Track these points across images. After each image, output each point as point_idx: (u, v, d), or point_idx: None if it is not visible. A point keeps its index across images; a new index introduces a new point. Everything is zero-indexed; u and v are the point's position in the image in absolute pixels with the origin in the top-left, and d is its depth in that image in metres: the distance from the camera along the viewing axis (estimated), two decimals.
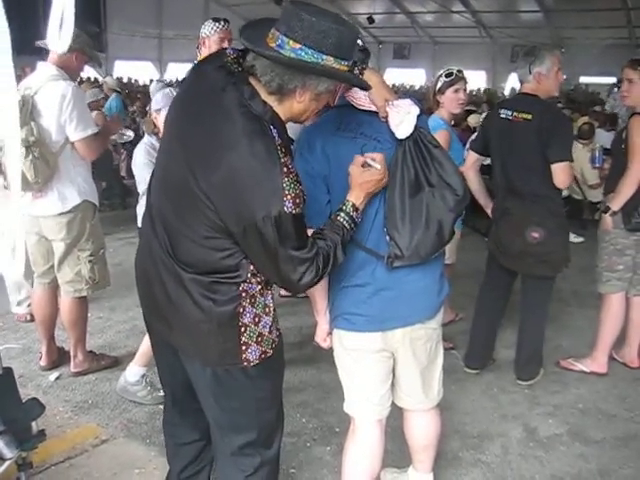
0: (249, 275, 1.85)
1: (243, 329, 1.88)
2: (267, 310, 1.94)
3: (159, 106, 3.29)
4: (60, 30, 1.07)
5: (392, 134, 2.08)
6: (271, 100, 1.77)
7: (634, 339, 4.07)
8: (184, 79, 2.21)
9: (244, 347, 1.89)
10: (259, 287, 1.89)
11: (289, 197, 1.68)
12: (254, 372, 1.94)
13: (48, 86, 3.41)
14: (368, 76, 2.04)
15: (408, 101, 2.09)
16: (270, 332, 1.95)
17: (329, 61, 1.71)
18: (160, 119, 3.28)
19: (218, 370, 1.93)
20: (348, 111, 2.15)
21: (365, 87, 1.94)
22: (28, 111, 3.31)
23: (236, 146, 1.70)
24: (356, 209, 1.96)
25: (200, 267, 1.84)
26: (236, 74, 1.79)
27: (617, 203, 3.73)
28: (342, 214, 1.94)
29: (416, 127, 2.07)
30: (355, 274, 2.18)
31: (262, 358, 1.93)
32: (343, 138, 2.13)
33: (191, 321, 1.89)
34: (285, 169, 1.69)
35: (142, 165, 3.40)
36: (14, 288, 4.52)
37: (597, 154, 5.45)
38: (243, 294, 1.86)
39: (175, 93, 3.25)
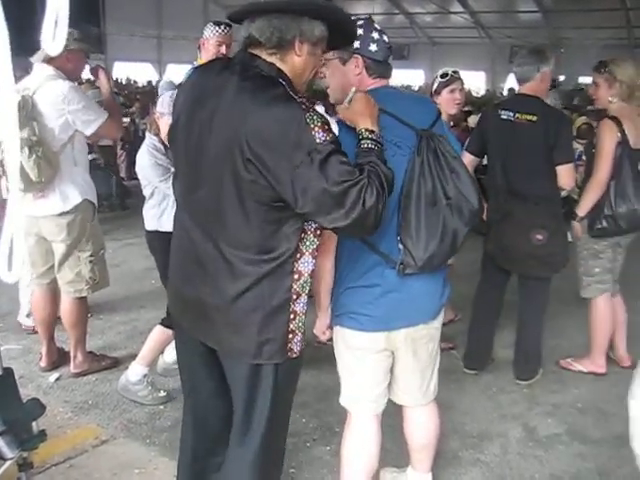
0: (304, 248, 1.87)
1: (293, 316, 1.90)
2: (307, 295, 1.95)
3: (163, 110, 3.30)
4: (54, 32, 1.07)
5: (412, 139, 2.08)
6: (274, 60, 1.84)
7: (619, 338, 4.08)
8: (182, 85, 2.21)
9: (290, 335, 1.91)
10: (312, 264, 1.90)
11: (317, 128, 1.70)
12: (293, 367, 1.97)
13: (46, 86, 3.42)
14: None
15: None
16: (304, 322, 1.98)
17: None
18: (162, 122, 3.29)
19: (261, 365, 1.92)
20: None
21: (353, 30, 2.02)
22: (28, 111, 3.32)
23: (255, 106, 1.74)
24: (371, 131, 1.93)
25: (254, 248, 1.83)
26: (236, 55, 1.89)
27: (582, 209, 3.74)
28: (362, 140, 1.92)
29: (435, 136, 2.08)
30: (364, 275, 2.19)
31: (300, 351, 1.96)
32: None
33: (240, 313, 1.88)
34: (303, 106, 1.73)
35: (148, 167, 3.42)
36: (27, 299, 4.39)
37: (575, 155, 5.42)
38: (296, 276, 1.87)
39: None
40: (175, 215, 2.12)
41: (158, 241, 3.40)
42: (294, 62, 1.86)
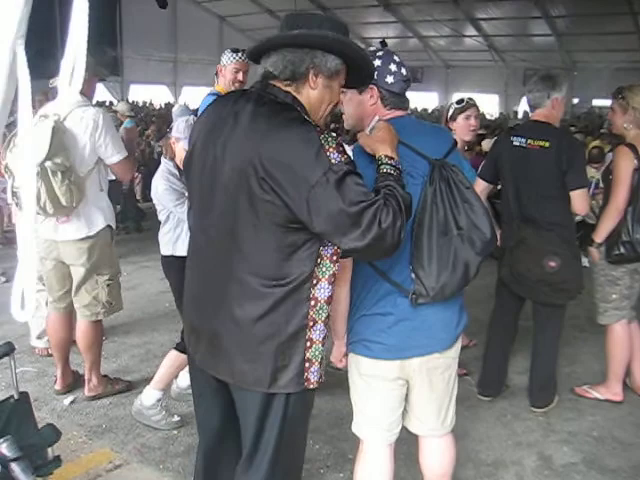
0: (320, 274, 1.87)
1: (309, 344, 1.89)
2: (326, 324, 1.94)
3: (180, 135, 3.35)
4: (71, 76, 1.09)
5: (425, 169, 2.09)
6: (290, 89, 1.88)
7: (636, 365, 4.04)
8: (200, 115, 2.24)
9: (307, 364, 1.90)
10: (328, 290, 1.90)
11: (331, 150, 1.72)
12: (305, 400, 1.96)
13: (77, 112, 3.47)
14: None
15: None
16: (323, 356, 1.96)
17: None
18: (178, 147, 3.34)
19: (274, 394, 1.90)
20: None
21: (370, 66, 2.02)
22: (61, 137, 3.36)
23: (270, 128, 1.77)
24: (390, 157, 1.95)
25: (270, 273, 1.83)
26: (253, 85, 1.94)
27: (599, 235, 3.72)
28: (381, 166, 1.94)
29: (448, 165, 2.09)
30: (377, 303, 2.19)
31: (319, 382, 1.94)
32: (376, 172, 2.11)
33: (255, 340, 1.87)
34: (317, 128, 1.76)
35: (162, 192, 3.45)
36: (37, 321, 4.42)
37: (592, 185, 5.42)
38: (312, 302, 1.87)
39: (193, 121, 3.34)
40: (189, 244, 2.12)
41: (173, 266, 3.43)
42: (309, 94, 1.89)
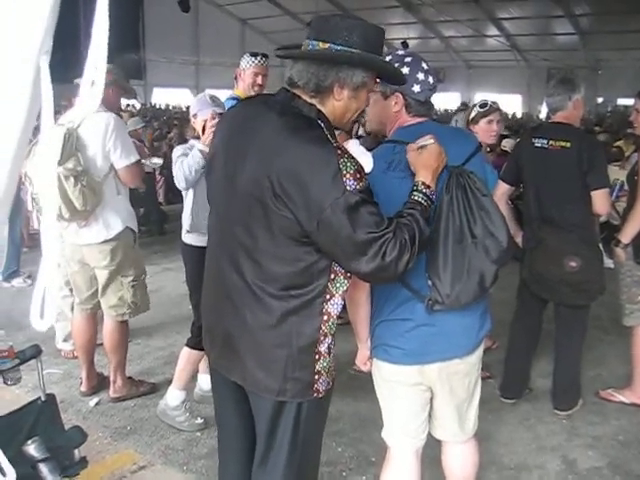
0: (334, 290, 1.87)
1: (318, 357, 1.90)
2: (333, 336, 1.95)
3: (195, 111, 3.39)
4: (92, 87, 1.11)
5: (444, 175, 2.07)
6: (314, 102, 1.85)
7: None
8: (221, 119, 2.25)
9: (317, 376, 1.91)
10: (341, 305, 1.90)
11: (348, 175, 1.70)
12: (319, 404, 1.96)
13: (91, 118, 3.52)
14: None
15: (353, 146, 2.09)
16: (333, 362, 1.98)
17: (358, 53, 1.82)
18: (197, 122, 3.35)
19: (285, 402, 1.92)
20: (400, 149, 2.13)
21: (400, 79, 2.00)
22: (73, 143, 3.42)
23: (290, 143, 1.76)
24: (427, 186, 1.94)
25: (282, 283, 1.84)
26: (278, 92, 1.92)
27: (626, 236, 3.68)
28: (415, 192, 1.93)
29: (466, 173, 2.09)
30: (396, 309, 2.19)
31: (326, 391, 1.96)
32: (393, 178, 2.10)
33: (267, 348, 1.89)
34: (339, 151, 1.74)
35: (176, 158, 3.40)
36: (61, 324, 4.52)
37: (616, 187, 5.36)
38: (325, 317, 1.88)
39: (209, 99, 3.37)
40: (207, 247, 2.13)
41: (189, 254, 3.45)
42: (334, 106, 1.87)
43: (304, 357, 1.88)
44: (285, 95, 1.89)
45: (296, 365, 1.88)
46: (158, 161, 8.34)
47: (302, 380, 1.89)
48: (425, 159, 2.01)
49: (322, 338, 1.89)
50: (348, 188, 1.69)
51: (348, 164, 1.71)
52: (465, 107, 13.89)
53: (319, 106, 1.85)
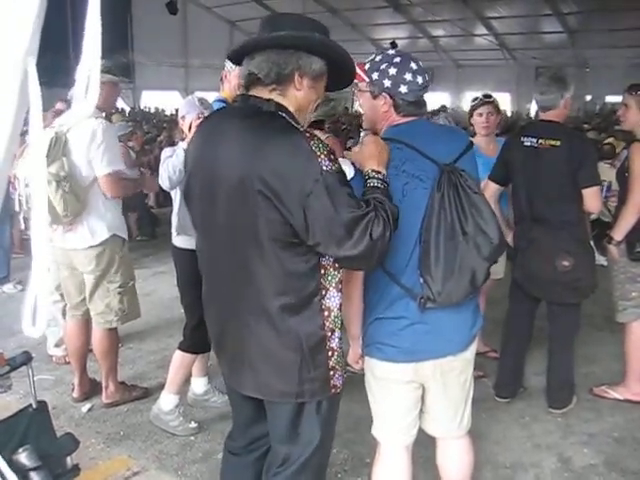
0: (327, 284, 1.88)
1: (330, 353, 1.92)
2: (341, 330, 1.97)
3: (183, 113, 3.38)
4: (86, 92, 1.09)
5: (435, 173, 2.09)
6: (274, 96, 1.86)
7: None
8: (194, 135, 2.23)
9: (332, 372, 1.94)
10: (339, 298, 1.92)
11: (322, 156, 1.73)
12: (336, 400, 2.01)
13: (81, 123, 3.48)
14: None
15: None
16: (343, 356, 2.01)
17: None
18: (186, 123, 3.32)
19: (304, 403, 1.94)
20: (393, 146, 2.13)
21: (349, 76, 2.02)
22: (60, 147, 3.39)
23: (258, 142, 1.77)
24: (377, 172, 1.96)
25: (279, 288, 1.84)
26: (236, 101, 1.96)
27: (619, 233, 3.69)
28: (369, 180, 1.95)
29: (457, 170, 2.09)
30: (390, 307, 2.19)
31: (342, 385, 1.99)
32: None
33: (279, 355, 1.90)
34: (307, 134, 1.77)
35: (163, 159, 3.36)
36: (53, 330, 4.48)
37: (604, 188, 5.37)
38: (325, 312, 1.89)
39: (197, 101, 3.36)
40: (199, 264, 2.12)
41: (179, 256, 3.42)
42: (295, 96, 1.88)
43: (317, 356, 1.90)
44: (242, 99, 1.91)
45: (310, 366, 1.90)
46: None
47: (319, 379, 1.92)
48: (366, 152, 2.04)
49: (329, 334, 1.91)
50: (325, 168, 1.71)
51: (320, 145, 1.74)
52: (444, 109, 14.11)
53: (280, 99, 1.86)
